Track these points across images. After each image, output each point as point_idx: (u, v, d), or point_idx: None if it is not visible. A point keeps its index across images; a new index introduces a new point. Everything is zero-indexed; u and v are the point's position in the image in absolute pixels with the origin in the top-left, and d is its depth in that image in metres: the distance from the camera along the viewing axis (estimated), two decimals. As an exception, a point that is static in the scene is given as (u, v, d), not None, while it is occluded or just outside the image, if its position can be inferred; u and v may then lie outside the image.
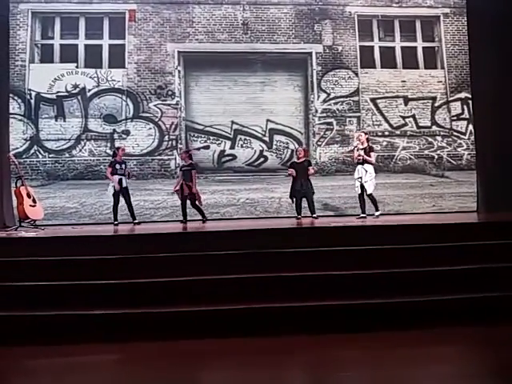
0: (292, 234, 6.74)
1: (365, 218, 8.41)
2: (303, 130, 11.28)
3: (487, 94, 9.08)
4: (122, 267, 5.36)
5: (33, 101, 10.62)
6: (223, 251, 5.63)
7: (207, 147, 11.06)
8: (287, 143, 11.20)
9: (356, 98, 11.31)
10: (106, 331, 4.57)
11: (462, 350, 4.35)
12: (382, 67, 11.46)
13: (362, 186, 8.51)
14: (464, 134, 11.36)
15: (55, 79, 10.73)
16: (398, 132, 11.36)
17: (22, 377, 4.01)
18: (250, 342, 4.41)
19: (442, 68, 11.53)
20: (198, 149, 10.95)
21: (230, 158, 11.14)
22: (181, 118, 11.00)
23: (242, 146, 11.14)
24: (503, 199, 8.67)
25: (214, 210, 10.29)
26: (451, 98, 11.45)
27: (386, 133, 11.33)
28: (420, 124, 11.39)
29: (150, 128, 10.89)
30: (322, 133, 11.19)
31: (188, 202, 9.05)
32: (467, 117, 11.24)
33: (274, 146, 11.19)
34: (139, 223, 8.91)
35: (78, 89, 10.75)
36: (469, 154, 11.14)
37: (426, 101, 11.43)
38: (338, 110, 11.24)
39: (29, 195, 8.28)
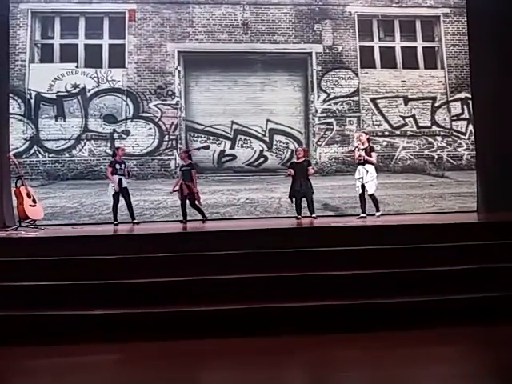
0: (292, 234, 6.73)
1: (365, 218, 8.42)
2: (303, 130, 11.28)
3: (487, 94, 9.09)
4: (121, 267, 5.36)
5: (33, 101, 10.61)
6: (223, 251, 5.62)
7: (207, 147, 11.06)
8: (287, 143, 11.20)
9: (356, 98, 11.30)
10: (106, 331, 4.57)
11: (462, 350, 4.35)
12: (382, 67, 11.45)
13: (363, 186, 8.52)
14: (464, 133, 11.36)
15: (55, 79, 10.73)
16: (398, 132, 11.36)
17: (22, 377, 4.01)
18: (250, 342, 4.40)
19: (442, 68, 11.52)
20: (198, 149, 10.94)
21: (230, 158, 11.14)
22: (181, 118, 11.00)
23: (242, 146, 11.14)
24: (503, 199, 8.68)
25: (213, 210, 10.30)
26: (451, 98, 11.44)
27: (386, 133, 11.33)
28: (420, 124, 11.38)
29: (150, 128, 10.89)
30: (322, 133, 11.19)
31: (188, 202, 9.05)
32: (467, 117, 11.24)
33: (274, 146, 11.19)
34: (138, 223, 8.93)
35: (77, 89, 10.75)
36: (469, 154, 11.14)
37: (425, 101, 11.43)
38: (338, 110, 11.23)
39: (29, 195, 8.28)
